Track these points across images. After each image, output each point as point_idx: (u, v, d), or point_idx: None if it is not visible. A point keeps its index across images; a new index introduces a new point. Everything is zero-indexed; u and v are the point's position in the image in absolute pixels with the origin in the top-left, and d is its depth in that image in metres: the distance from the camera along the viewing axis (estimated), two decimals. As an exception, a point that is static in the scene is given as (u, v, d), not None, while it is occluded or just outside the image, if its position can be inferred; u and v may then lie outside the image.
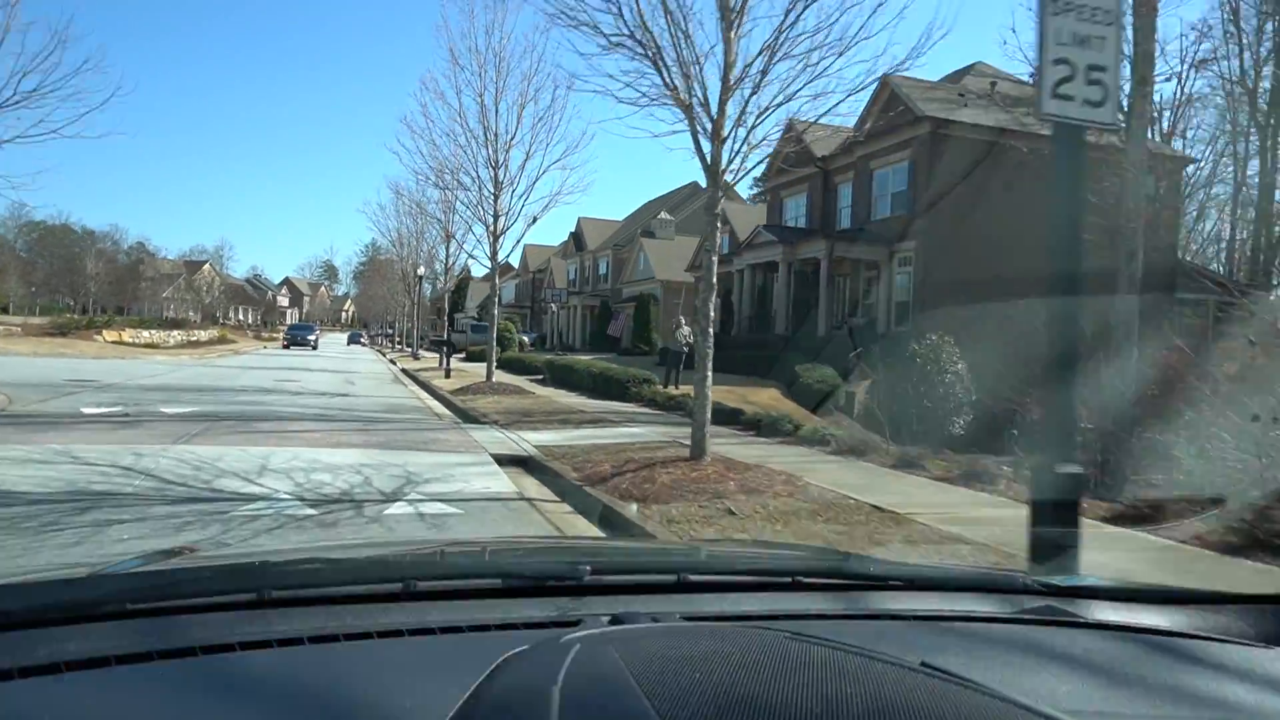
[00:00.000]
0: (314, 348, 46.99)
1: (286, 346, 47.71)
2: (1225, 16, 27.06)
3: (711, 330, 7.73)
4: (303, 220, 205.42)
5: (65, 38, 12.81)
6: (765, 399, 18.60)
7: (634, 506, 6.35)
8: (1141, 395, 8.84)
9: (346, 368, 30.19)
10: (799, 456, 9.72)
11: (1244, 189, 36.33)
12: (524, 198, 18.14)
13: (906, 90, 24.65)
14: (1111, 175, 20.02)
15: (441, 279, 33.91)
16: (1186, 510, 6.42)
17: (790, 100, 7.59)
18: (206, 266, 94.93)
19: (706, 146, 7.65)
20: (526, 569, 1.41)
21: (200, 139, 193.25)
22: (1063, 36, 3.63)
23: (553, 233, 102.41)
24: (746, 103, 7.39)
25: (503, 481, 7.92)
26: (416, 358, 39.18)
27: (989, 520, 6.29)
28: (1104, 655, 1.20)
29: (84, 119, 12.48)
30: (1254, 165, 34.14)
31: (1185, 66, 29.65)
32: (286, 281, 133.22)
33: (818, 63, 7.45)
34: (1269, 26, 29.63)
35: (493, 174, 18.02)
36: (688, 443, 10.42)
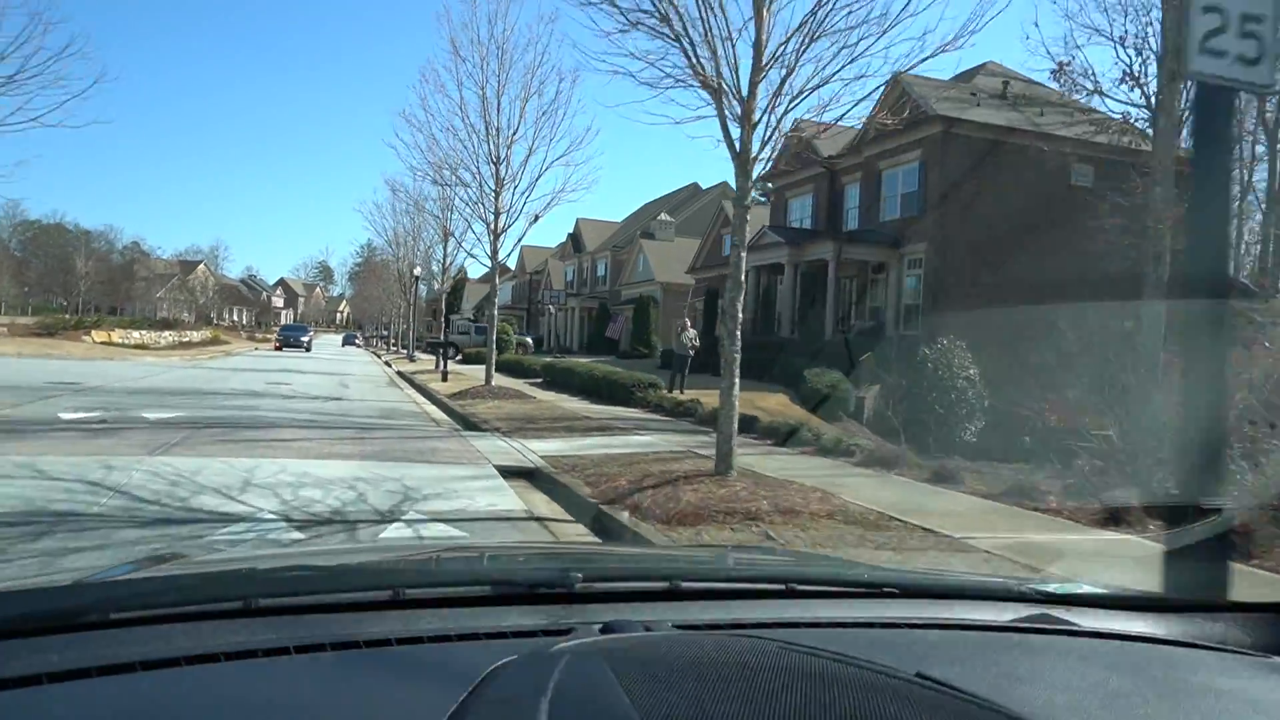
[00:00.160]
0: (307, 349, 45.81)
1: (279, 348, 46.20)
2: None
3: (739, 333, 7.06)
4: (298, 221, 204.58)
5: (48, 22, 12.12)
6: (773, 404, 17.97)
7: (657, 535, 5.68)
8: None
9: (340, 370, 29.45)
10: (826, 469, 9.06)
11: (1252, 191, 35.89)
12: (526, 195, 17.48)
13: (918, 89, 24.03)
14: (1139, 175, 19.39)
15: (438, 280, 33.16)
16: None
17: (826, 83, 6.93)
18: (201, 267, 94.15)
19: (736, 132, 7.00)
20: (518, 576, 1.40)
21: (198, 139, 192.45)
22: (1213, -22, 2.98)
23: (550, 234, 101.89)
24: (782, 84, 6.73)
25: (509, 498, 7.25)
26: (412, 360, 38.43)
27: (1063, 550, 5.63)
28: (1100, 664, 1.18)
29: (66, 106, 11.75)
30: (1260, 169, 33.69)
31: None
32: (281, 282, 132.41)
33: (857, 43, 6.80)
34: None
35: (494, 170, 17.34)
36: (705, 453, 9.79)
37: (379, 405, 16.29)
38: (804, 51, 6.76)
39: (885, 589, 1.52)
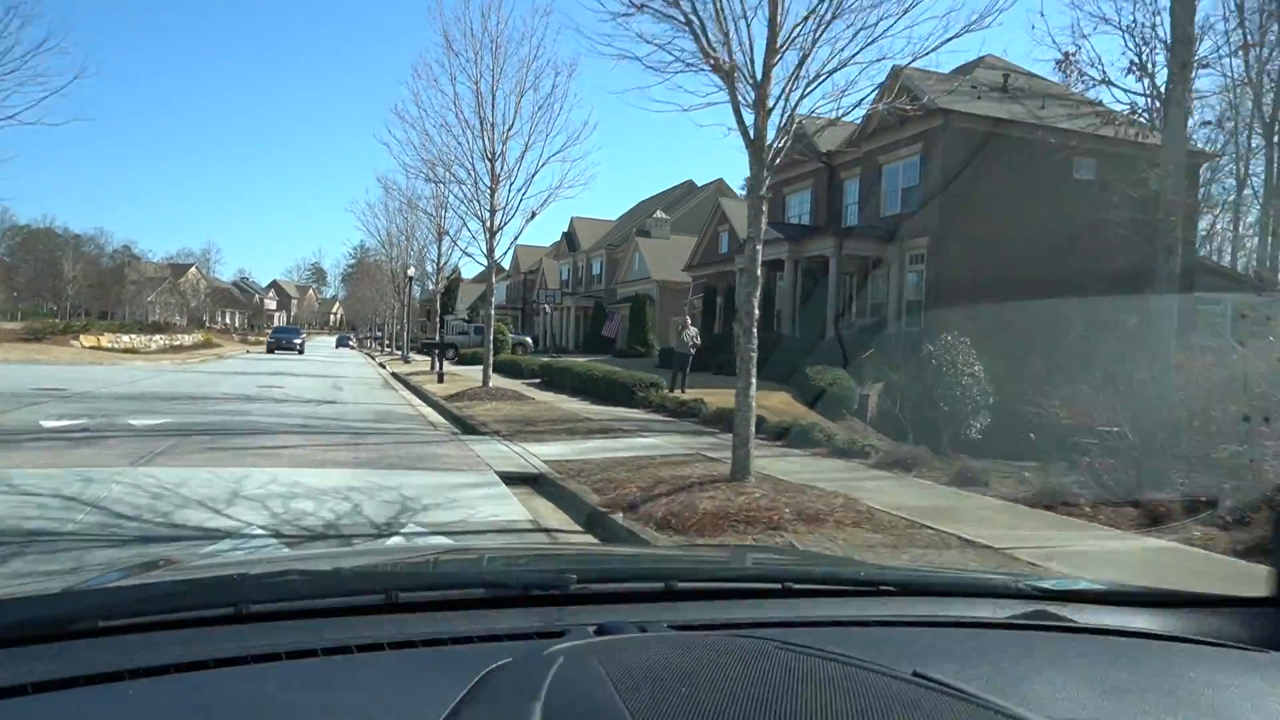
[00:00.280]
0: (300, 352, 44.82)
1: (270, 351, 45.01)
2: (1227, 11, 26.14)
3: (755, 330, 6.67)
4: (291, 223, 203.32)
5: (25, 16, 11.64)
6: (776, 403, 17.59)
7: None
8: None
9: (334, 372, 28.98)
10: (842, 472, 8.69)
11: (1249, 183, 35.74)
12: (522, 191, 17.06)
13: (917, 82, 23.66)
14: (1148, 167, 19.08)
15: (432, 280, 32.67)
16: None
17: (845, 66, 6.55)
18: (192, 269, 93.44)
19: (749, 119, 6.62)
20: (512, 578, 1.39)
21: (189, 141, 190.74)
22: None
23: (545, 233, 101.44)
24: (798, 67, 6.34)
25: (514, 507, 6.86)
26: (407, 361, 37.96)
27: (1112, 558, 5.27)
28: (1098, 660, 1.17)
29: (45, 104, 11.30)
30: (1255, 163, 33.57)
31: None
32: (274, 284, 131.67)
33: (876, 23, 6.43)
34: (1275, 23, 28.85)
35: (489, 166, 16.92)
36: (714, 456, 9.42)
37: (373, 408, 15.87)
38: (821, 32, 6.38)
39: (882, 587, 1.50)
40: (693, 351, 18.61)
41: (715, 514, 5.87)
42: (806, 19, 6.24)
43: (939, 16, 6.41)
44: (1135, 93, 16.85)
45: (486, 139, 16.77)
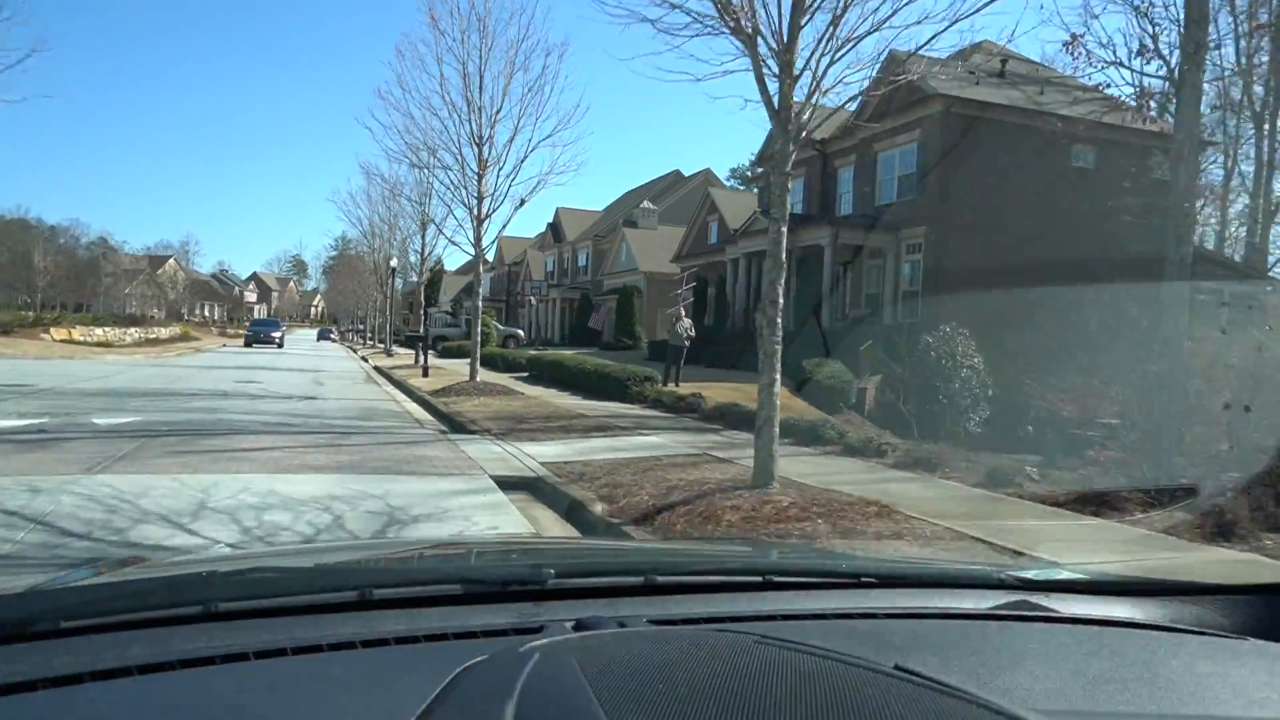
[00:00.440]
0: (279, 345, 43.25)
1: (248, 345, 43.13)
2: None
3: (780, 320, 6.03)
4: (272, 215, 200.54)
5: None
6: (774, 397, 17.03)
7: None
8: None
9: (314, 366, 28.12)
10: (862, 473, 8.10)
11: (1237, 169, 35.52)
12: (511, 177, 16.35)
13: (912, 68, 23.07)
14: (1156, 152, 18.58)
15: (415, 271, 31.82)
16: None
17: (878, 29, 5.93)
18: (170, 261, 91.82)
19: (773, 87, 5.98)
20: (488, 574, 1.36)
21: (167, 131, 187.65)
22: None
23: (529, 224, 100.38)
24: (830, 28, 5.71)
25: (513, 517, 6.21)
26: (390, 354, 37.11)
27: (1190, 572, 4.68)
28: (1079, 650, 1.17)
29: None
30: (1244, 148, 33.34)
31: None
32: (254, 277, 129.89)
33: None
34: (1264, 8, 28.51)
35: (476, 151, 16.20)
36: (722, 456, 8.81)
37: (356, 404, 15.13)
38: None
39: (864, 579, 1.48)
40: (686, 344, 18.01)
41: (741, 526, 5.26)
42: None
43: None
44: (1147, 74, 16.33)
45: (474, 122, 16.06)
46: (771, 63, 5.99)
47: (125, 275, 78.10)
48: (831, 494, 6.27)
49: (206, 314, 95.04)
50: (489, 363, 23.26)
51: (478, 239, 16.76)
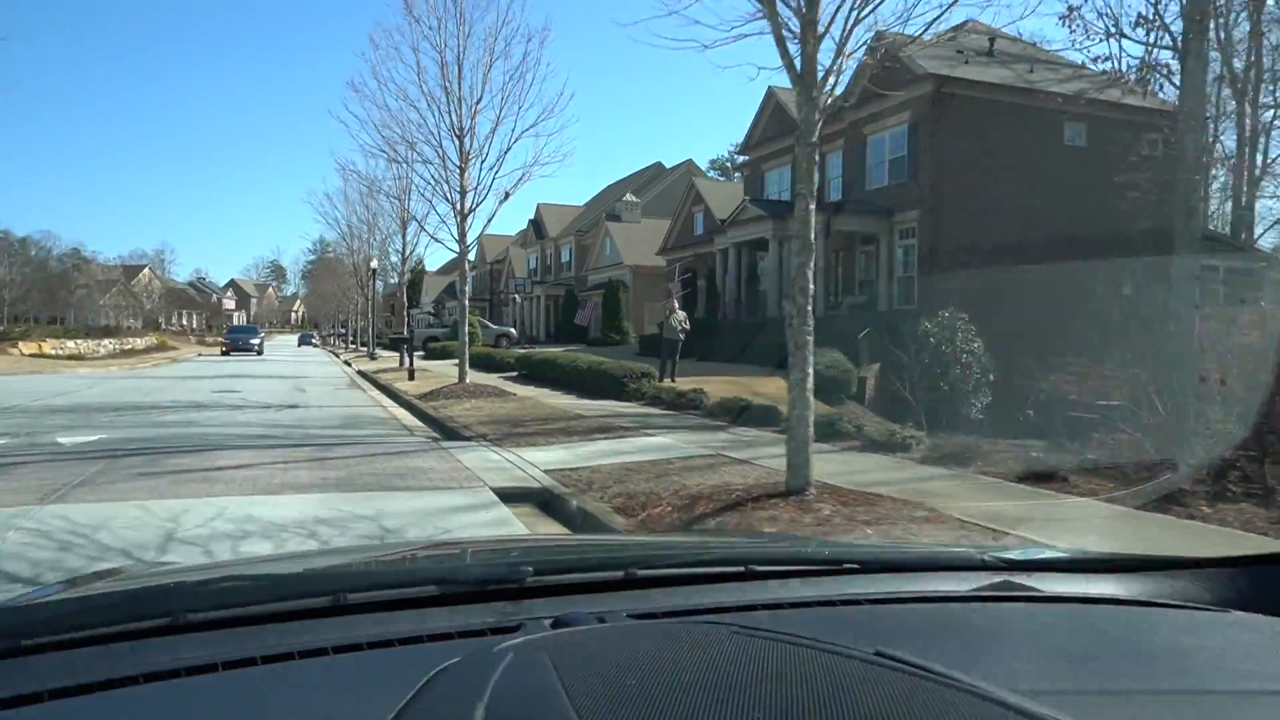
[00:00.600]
0: (259, 353, 41.90)
1: (226, 353, 41.74)
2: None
3: (811, 308, 5.42)
4: (248, 221, 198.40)
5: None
6: (773, 389, 16.42)
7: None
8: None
9: (296, 372, 27.30)
10: (893, 471, 7.53)
11: (1219, 144, 35.30)
12: (495, 170, 15.68)
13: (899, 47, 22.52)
14: (1157, 127, 18.13)
15: (396, 272, 31.05)
16: None
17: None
18: (145, 270, 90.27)
19: (794, 50, 5.36)
20: (464, 574, 1.33)
21: (138, 139, 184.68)
22: None
23: (510, 221, 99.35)
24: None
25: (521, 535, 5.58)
26: (373, 358, 36.26)
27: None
28: (1063, 628, 1.16)
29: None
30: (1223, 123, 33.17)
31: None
32: (232, 284, 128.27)
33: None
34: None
35: (457, 144, 15.51)
36: (738, 456, 8.22)
37: (341, 412, 14.41)
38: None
39: (846, 564, 1.46)
40: (682, 337, 17.38)
41: (784, 542, 4.66)
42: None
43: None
44: (1148, 44, 15.81)
45: (454, 114, 15.36)
46: (794, 23, 5.38)
47: (99, 286, 76.63)
48: (870, 496, 5.69)
49: (185, 323, 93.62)
50: (477, 363, 22.58)
51: (461, 235, 16.08)
